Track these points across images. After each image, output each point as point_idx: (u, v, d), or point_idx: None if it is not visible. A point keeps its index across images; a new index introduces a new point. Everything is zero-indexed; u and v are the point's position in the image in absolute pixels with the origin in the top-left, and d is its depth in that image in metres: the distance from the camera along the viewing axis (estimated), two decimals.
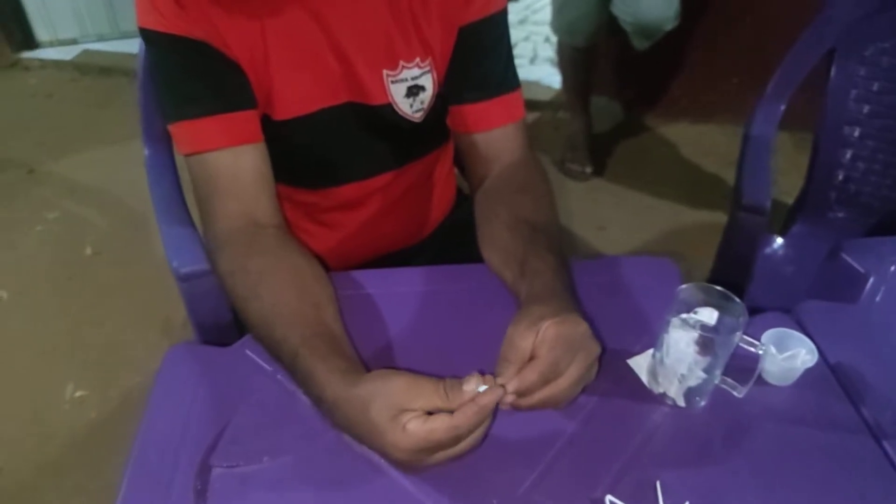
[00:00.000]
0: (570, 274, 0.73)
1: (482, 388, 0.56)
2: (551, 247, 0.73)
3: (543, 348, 0.58)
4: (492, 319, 0.73)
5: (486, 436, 0.58)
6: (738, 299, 0.63)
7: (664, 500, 0.58)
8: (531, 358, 0.59)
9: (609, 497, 0.58)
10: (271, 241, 0.74)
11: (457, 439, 0.55)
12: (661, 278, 0.82)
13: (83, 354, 1.63)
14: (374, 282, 0.80)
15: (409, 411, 0.55)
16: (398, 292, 0.78)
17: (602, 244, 1.99)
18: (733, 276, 1.21)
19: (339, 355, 0.63)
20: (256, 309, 0.67)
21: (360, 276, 0.80)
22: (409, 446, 0.54)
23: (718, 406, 0.67)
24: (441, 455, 0.56)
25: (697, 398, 0.66)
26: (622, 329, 0.74)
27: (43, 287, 1.83)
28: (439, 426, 0.54)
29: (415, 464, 0.56)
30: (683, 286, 0.65)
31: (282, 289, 0.68)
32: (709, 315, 0.65)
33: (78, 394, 1.54)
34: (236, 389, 0.67)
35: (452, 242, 1.02)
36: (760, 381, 0.69)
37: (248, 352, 0.71)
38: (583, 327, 0.60)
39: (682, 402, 0.67)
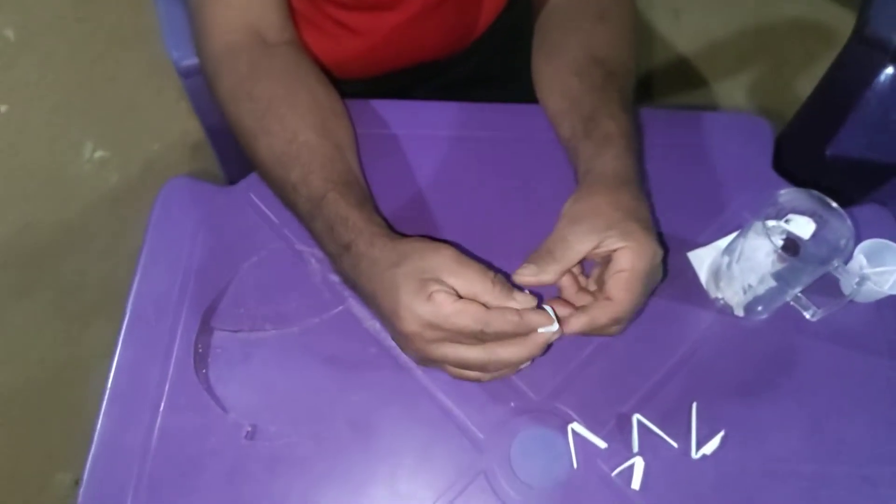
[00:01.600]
0: (641, 140, 0.60)
1: (549, 329, 0.47)
2: (626, 102, 0.59)
3: (618, 290, 0.48)
4: (542, 188, 0.63)
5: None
6: (849, 220, 0.51)
7: (698, 427, 0.53)
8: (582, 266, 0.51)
9: (637, 416, 0.53)
10: (281, 62, 0.60)
11: (477, 336, 0.46)
12: (748, 143, 0.68)
13: (99, 111, 1.55)
14: (400, 117, 0.67)
15: (441, 283, 0.46)
16: (428, 136, 0.66)
17: (672, 33, 1.74)
18: (827, 114, 1.04)
19: (373, 209, 0.55)
20: (266, 146, 0.56)
21: (383, 108, 0.67)
22: (425, 316, 0.45)
23: (780, 320, 0.58)
24: (450, 350, 0.47)
25: (760, 308, 0.58)
26: (689, 209, 0.63)
27: (52, 29, 1.67)
28: (469, 310, 0.46)
29: (419, 345, 0.47)
30: (784, 191, 0.52)
31: (299, 123, 0.57)
32: (803, 227, 0.53)
33: (97, 154, 1.49)
34: (239, 243, 0.59)
35: (499, 52, 0.86)
36: (837, 294, 0.59)
37: (252, 196, 0.62)
38: (658, 258, 0.49)
39: (740, 312, 0.58)
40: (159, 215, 0.60)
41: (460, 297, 0.47)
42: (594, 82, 0.59)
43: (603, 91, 0.59)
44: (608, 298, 0.48)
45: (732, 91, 1.62)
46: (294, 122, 0.57)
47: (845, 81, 0.99)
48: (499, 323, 0.46)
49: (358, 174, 0.59)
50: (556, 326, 0.47)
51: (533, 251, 0.51)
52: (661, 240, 0.52)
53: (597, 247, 0.49)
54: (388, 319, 0.49)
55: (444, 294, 0.46)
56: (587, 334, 0.50)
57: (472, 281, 0.47)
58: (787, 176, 0.66)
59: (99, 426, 0.51)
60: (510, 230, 0.60)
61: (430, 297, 0.46)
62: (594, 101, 0.58)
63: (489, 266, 0.48)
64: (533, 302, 0.48)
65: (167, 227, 0.60)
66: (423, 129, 0.66)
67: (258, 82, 0.58)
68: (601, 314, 0.48)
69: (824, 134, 1.03)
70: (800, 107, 1.11)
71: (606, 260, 0.50)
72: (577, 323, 0.48)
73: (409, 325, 0.46)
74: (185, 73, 0.79)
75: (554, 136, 0.63)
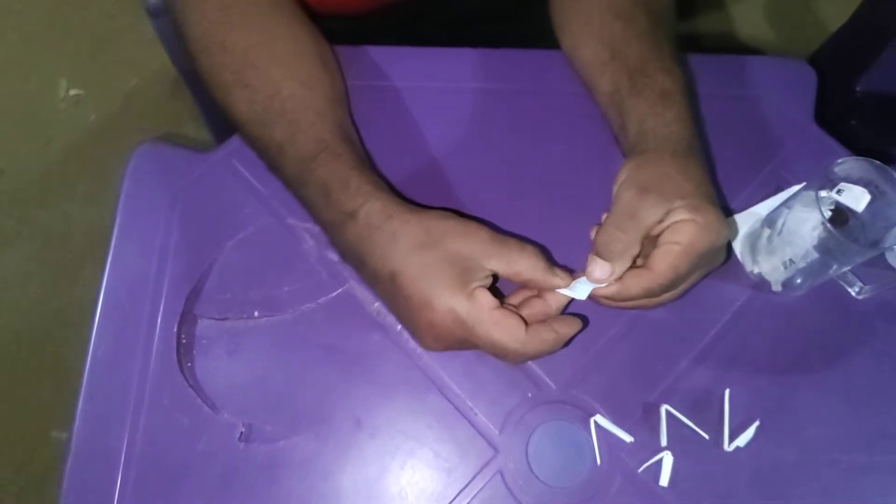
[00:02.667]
0: (695, 96, 0.54)
1: (573, 289, 0.44)
2: (676, 52, 0.52)
3: (662, 262, 0.42)
4: (560, 148, 0.56)
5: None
6: None
7: (731, 417, 0.49)
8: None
9: (665, 407, 0.49)
10: (257, 3, 0.52)
11: (508, 355, 0.43)
12: (788, 93, 0.61)
13: (72, 46, 1.44)
14: (398, 66, 0.59)
15: (481, 269, 0.42)
16: (430, 88, 0.58)
17: None
18: (860, 46, 0.95)
19: (374, 171, 0.48)
20: (245, 101, 0.49)
21: (379, 55, 0.59)
22: (461, 314, 0.41)
23: (821, 296, 0.53)
24: (471, 347, 0.44)
25: (799, 281, 0.53)
26: (721, 170, 0.57)
27: None
28: (509, 323, 0.41)
29: (445, 341, 0.43)
30: (842, 160, 0.46)
31: (281, 75, 0.50)
32: (856, 198, 0.47)
33: (73, 92, 1.40)
34: (222, 218, 0.53)
35: None
36: (887, 267, 0.54)
37: (235, 163, 0.55)
38: (724, 236, 0.44)
39: (778, 288, 0.53)
40: (130, 187, 0.54)
41: (499, 297, 0.44)
42: (641, 28, 0.52)
43: (653, 39, 0.51)
44: (647, 269, 0.43)
45: (750, 13, 1.51)
46: (276, 74, 0.50)
47: (884, 10, 0.90)
48: (535, 344, 0.42)
49: (353, 131, 0.52)
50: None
51: (598, 236, 0.44)
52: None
53: (662, 219, 0.43)
54: (410, 307, 0.42)
55: (485, 294, 0.42)
56: (615, 307, 0.46)
57: (512, 260, 0.43)
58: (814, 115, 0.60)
59: (76, 429, 0.47)
60: (524, 195, 0.54)
61: (471, 293, 0.41)
62: (643, 50, 0.51)
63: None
64: (569, 279, 0.45)
65: (139, 202, 0.53)
66: (425, 80, 0.58)
67: (232, 30, 0.51)
68: (634, 284, 0.43)
69: (856, 67, 0.96)
70: (829, 36, 1.02)
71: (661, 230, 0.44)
72: (605, 290, 0.44)
73: (442, 317, 0.41)
74: (154, 13, 0.70)
75: (577, 90, 0.56)
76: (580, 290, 0.44)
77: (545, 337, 0.42)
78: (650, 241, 0.45)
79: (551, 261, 0.46)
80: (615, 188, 0.46)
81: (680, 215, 0.42)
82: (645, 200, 0.43)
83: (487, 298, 0.42)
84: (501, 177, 0.55)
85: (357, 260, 0.45)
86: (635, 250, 0.43)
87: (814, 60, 1.07)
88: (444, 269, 0.41)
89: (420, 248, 0.42)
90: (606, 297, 0.45)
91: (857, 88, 0.95)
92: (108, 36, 1.45)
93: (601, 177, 0.54)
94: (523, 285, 0.46)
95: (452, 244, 0.42)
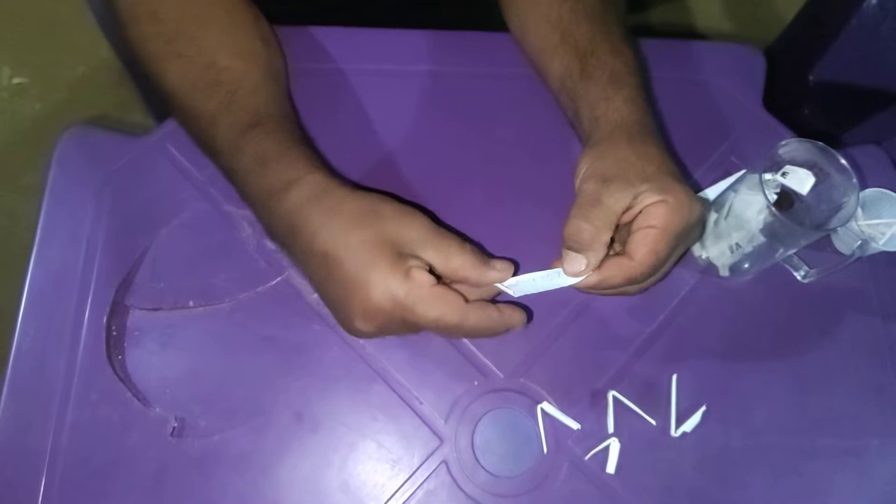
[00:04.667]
0: (648, 76, 0.54)
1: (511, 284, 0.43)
2: (626, 33, 0.51)
3: (641, 248, 0.41)
4: (508, 132, 0.55)
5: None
6: (855, 178, 0.44)
7: (678, 402, 0.49)
8: (618, 225, 0.43)
9: (613, 393, 0.48)
10: None
11: (451, 330, 0.41)
12: (737, 78, 0.61)
13: (15, 32, 1.38)
14: (343, 48, 0.57)
15: (417, 258, 0.40)
16: (375, 71, 0.57)
17: None
18: (812, 36, 0.96)
19: (315, 148, 0.47)
20: (177, 72, 0.47)
21: (323, 36, 0.58)
22: (398, 293, 0.39)
23: (767, 279, 0.53)
24: (407, 330, 0.42)
25: (746, 266, 0.52)
26: (672, 153, 0.56)
27: None
28: (448, 297, 0.40)
29: (381, 322, 0.40)
30: (785, 142, 0.46)
31: (217, 47, 0.48)
32: (800, 181, 0.47)
33: (16, 80, 1.34)
34: (156, 204, 0.51)
35: None
36: (832, 251, 0.54)
37: (170, 147, 0.53)
38: (697, 211, 0.42)
39: (725, 273, 0.53)
40: (57, 173, 0.51)
41: (435, 274, 0.41)
42: (589, 9, 0.51)
43: (601, 20, 0.50)
44: (627, 256, 0.41)
45: (707, 6, 1.52)
46: (212, 45, 0.48)
47: (829, 4, 0.91)
48: (476, 316, 0.41)
49: (291, 109, 0.50)
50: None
51: (565, 229, 0.42)
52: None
53: (630, 206, 0.42)
54: (343, 289, 0.40)
55: (423, 273, 0.40)
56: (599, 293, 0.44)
57: (450, 255, 0.41)
58: (768, 103, 0.60)
59: None
60: (473, 180, 0.53)
61: (407, 272, 0.39)
62: (592, 32, 0.49)
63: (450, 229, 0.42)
64: (511, 270, 0.42)
65: (67, 188, 0.51)
66: (372, 63, 0.57)
67: (163, 0, 0.48)
68: (615, 273, 0.41)
69: (808, 58, 0.96)
70: (783, 28, 1.03)
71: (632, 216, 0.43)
72: (585, 282, 0.42)
73: (380, 298, 0.39)
74: None
75: (527, 72, 0.55)
76: (528, 285, 0.43)
77: (489, 312, 0.41)
78: (624, 229, 0.44)
79: (488, 254, 0.45)
80: (577, 182, 0.45)
81: (649, 198, 0.41)
82: (608, 188, 0.42)
83: (425, 276, 0.39)
84: (450, 161, 0.54)
85: (287, 234, 0.42)
86: (605, 238, 0.42)
87: (769, 52, 1.08)
88: (378, 249, 0.39)
89: (354, 228, 0.40)
90: (589, 288, 0.43)
91: (810, 78, 0.96)
92: (54, 22, 1.40)
93: (553, 161, 0.53)
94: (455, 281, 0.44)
95: (389, 227, 0.40)
